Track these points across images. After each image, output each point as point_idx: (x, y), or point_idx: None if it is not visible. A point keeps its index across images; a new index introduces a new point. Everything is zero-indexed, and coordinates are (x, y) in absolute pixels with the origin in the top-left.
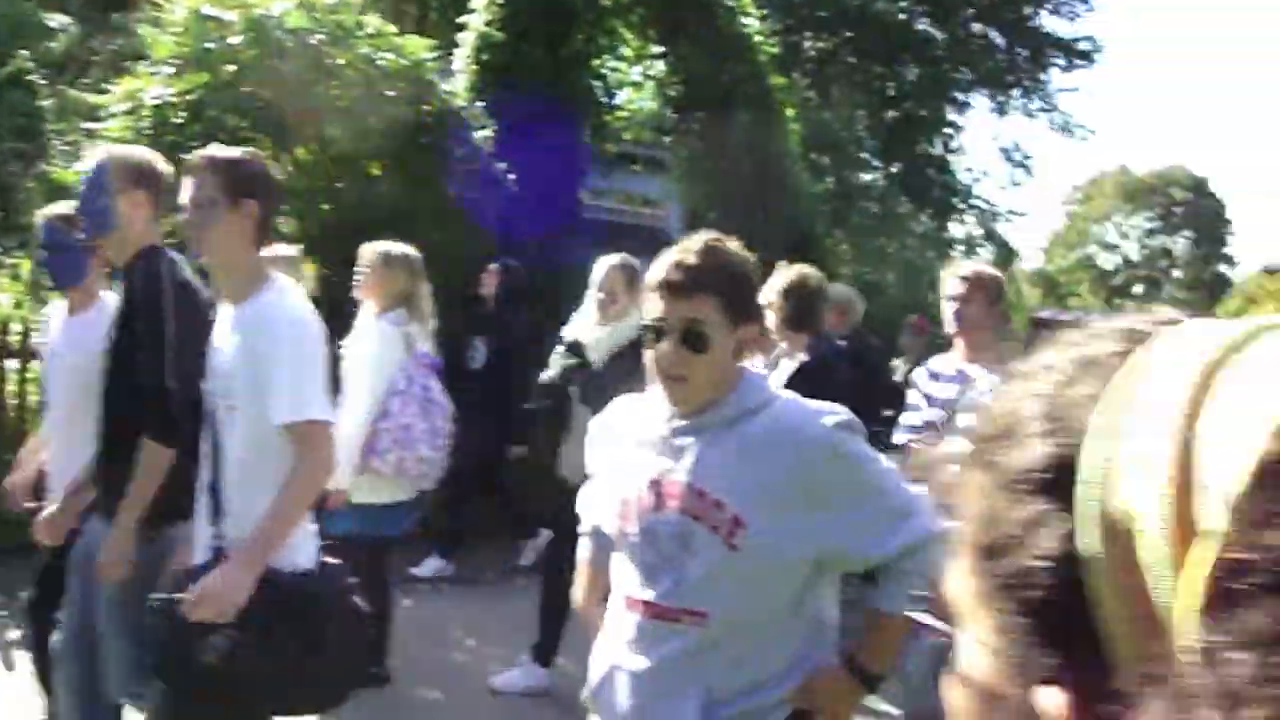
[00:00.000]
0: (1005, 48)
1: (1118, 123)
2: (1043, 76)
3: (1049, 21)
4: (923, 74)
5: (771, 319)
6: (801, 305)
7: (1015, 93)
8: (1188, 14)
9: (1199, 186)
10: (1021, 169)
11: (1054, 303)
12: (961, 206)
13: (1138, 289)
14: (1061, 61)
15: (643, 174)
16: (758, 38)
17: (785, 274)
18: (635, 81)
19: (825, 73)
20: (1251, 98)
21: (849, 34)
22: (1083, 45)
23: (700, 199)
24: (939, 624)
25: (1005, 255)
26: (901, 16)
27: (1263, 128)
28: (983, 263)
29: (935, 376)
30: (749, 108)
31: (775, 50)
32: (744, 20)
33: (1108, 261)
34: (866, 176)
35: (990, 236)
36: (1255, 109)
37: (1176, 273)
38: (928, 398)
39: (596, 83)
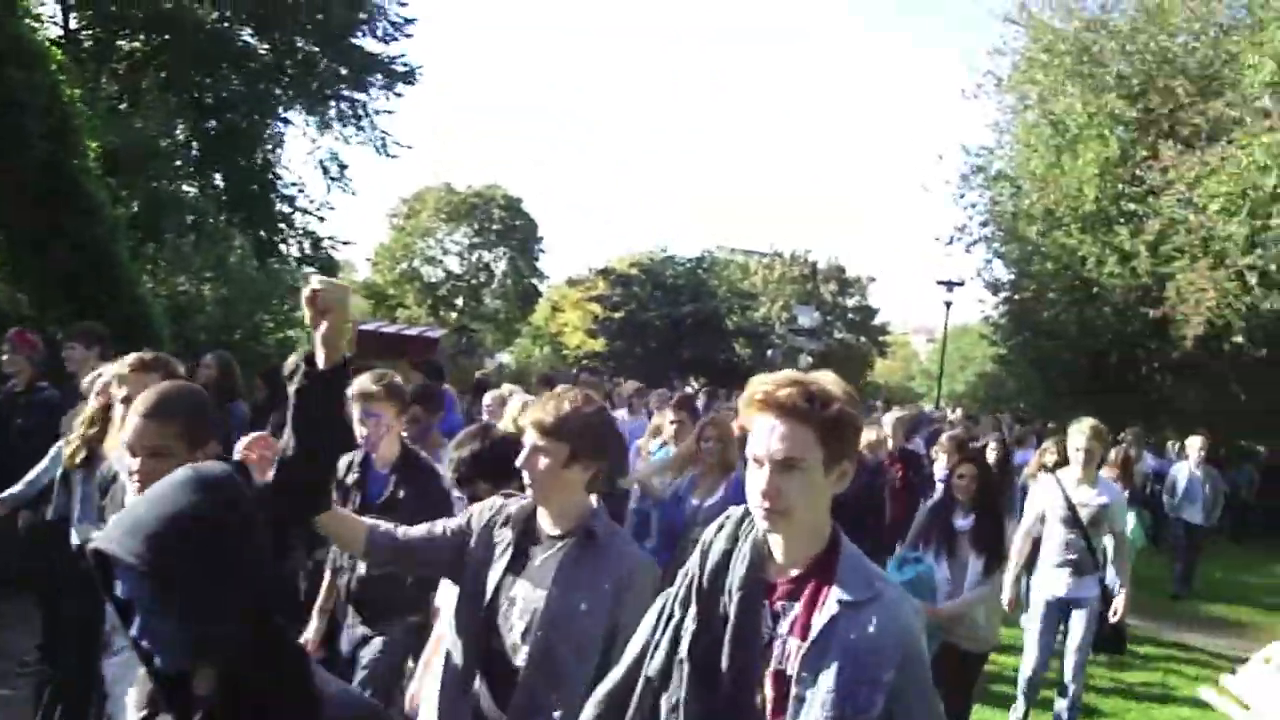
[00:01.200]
0: (326, 65)
1: (441, 139)
2: (362, 96)
3: (370, 43)
4: (244, 85)
5: None
6: None
7: (334, 110)
8: (507, 42)
9: (514, 205)
10: (338, 185)
11: (384, 313)
12: (283, 225)
13: (459, 301)
14: (381, 81)
15: None
16: (43, 38)
17: None
18: None
19: (140, 78)
20: (555, 123)
21: (165, 37)
22: (400, 68)
23: None
24: None
25: (331, 268)
26: (223, 25)
27: (571, 153)
28: None
29: None
30: (38, 118)
31: (62, 57)
32: (29, 23)
33: (432, 274)
34: (187, 188)
35: (316, 249)
36: (560, 134)
37: (494, 285)
38: None
39: None
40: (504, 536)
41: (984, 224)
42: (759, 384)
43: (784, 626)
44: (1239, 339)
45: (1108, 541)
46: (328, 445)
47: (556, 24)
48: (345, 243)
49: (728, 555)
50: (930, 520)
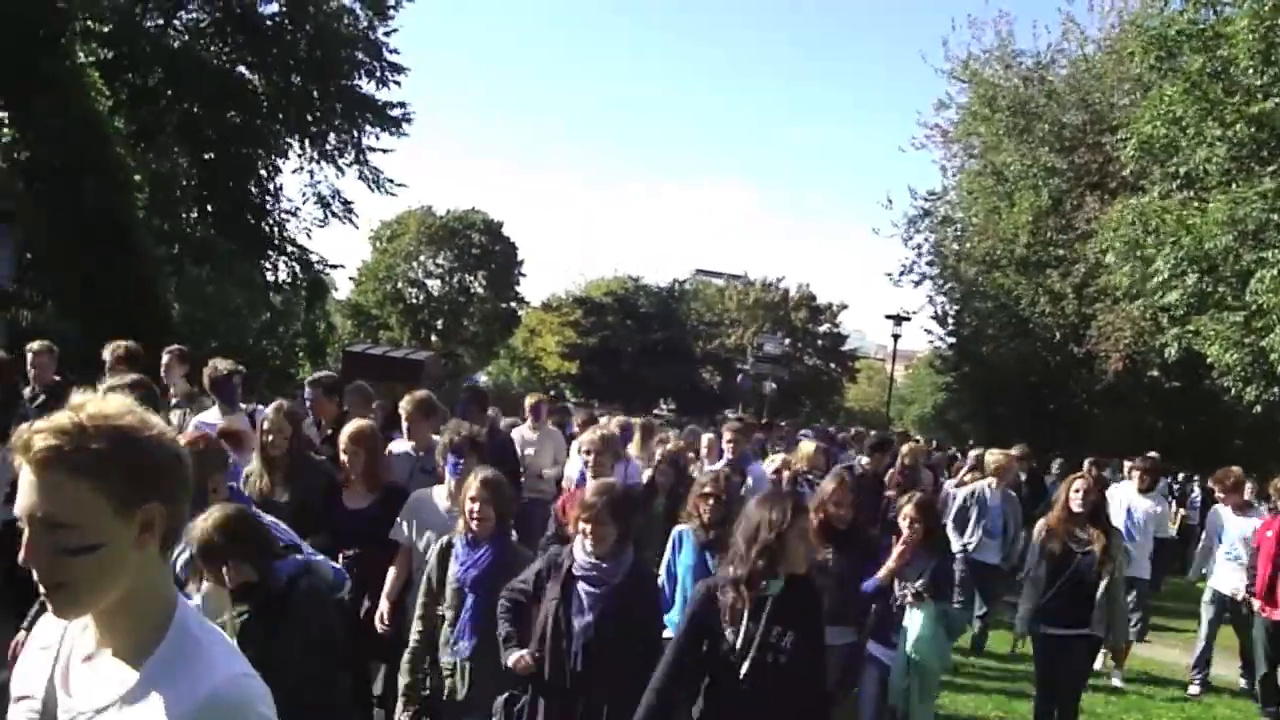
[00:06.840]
0: (322, 103)
1: (423, 165)
2: (356, 134)
3: (363, 80)
4: (243, 119)
5: None
6: None
7: (330, 143)
8: (493, 76)
9: (494, 230)
10: (343, 220)
11: (366, 334)
12: (279, 247)
13: (440, 323)
14: (374, 123)
15: None
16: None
17: None
18: None
19: (148, 113)
20: (543, 151)
21: (171, 72)
22: (395, 112)
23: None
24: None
25: (319, 289)
26: (222, 62)
27: (551, 179)
28: None
29: None
30: (97, 176)
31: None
32: (95, 97)
33: (414, 296)
34: (191, 215)
35: (305, 271)
36: (546, 161)
37: (473, 308)
38: None
39: None
40: None
41: (930, 263)
42: None
43: None
44: (1154, 373)
45: None
46: None
47: (538, 52)
48: (334, 266)
49: None
50: None
